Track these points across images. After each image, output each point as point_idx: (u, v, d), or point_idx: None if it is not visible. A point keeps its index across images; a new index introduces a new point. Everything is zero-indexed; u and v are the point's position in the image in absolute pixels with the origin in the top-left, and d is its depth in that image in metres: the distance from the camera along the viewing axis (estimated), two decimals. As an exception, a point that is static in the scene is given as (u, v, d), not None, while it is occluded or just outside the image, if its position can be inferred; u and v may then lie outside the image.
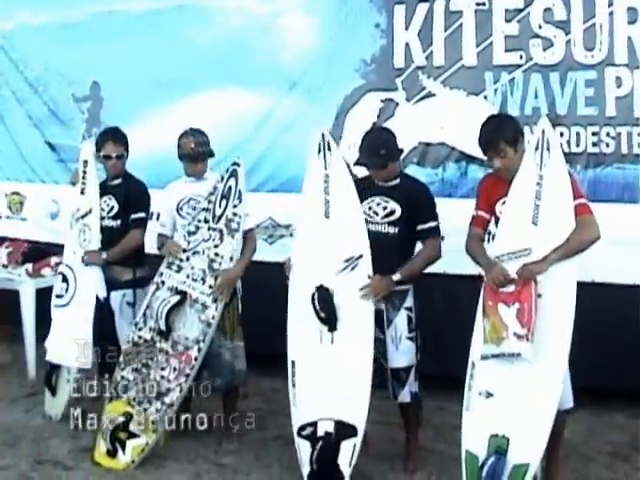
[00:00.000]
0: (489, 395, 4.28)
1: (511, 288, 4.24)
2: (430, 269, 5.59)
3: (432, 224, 4.84)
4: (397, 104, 6.04)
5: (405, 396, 4.86)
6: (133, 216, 5.60)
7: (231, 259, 5.14)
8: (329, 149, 4.81)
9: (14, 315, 7.03)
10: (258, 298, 5.41)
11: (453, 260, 5.65)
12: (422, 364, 4.92)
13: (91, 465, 5.06)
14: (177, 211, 5.44)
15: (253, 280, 5.36)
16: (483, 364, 4.29)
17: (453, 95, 5.86)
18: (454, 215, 5.72)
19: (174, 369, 5.09)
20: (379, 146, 4.81)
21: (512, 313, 4.21)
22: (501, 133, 4.36)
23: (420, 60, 5.92)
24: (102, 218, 5.71)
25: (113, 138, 5.77)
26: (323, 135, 4.84)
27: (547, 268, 4.15)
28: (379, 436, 5.29)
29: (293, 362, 4.82)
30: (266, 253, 6.00)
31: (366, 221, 4.79)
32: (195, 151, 5.35)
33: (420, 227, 4.81)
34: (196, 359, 5.06)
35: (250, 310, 5.43)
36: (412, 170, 5.86)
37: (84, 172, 5.87)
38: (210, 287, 5.12)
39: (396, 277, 4.71)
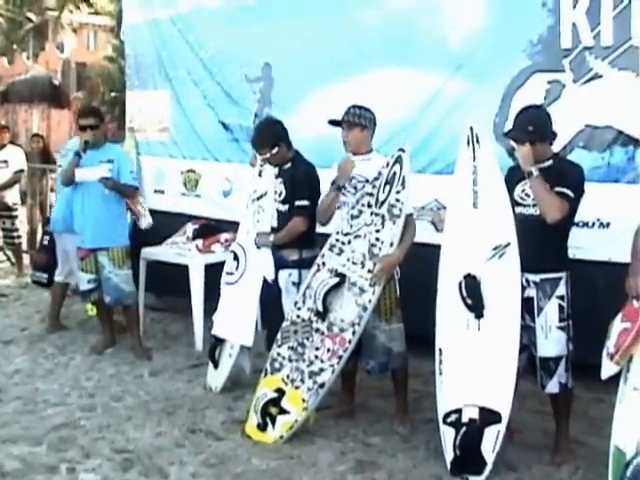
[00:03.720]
0: (645, 392, 4.13)
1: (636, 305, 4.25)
2: (593, 256, 5.47)
3: (566, 190, 4.60)
4: (564, 86, 5.82)
5: (553, 387, 4.76)
6: (297, 203, 5.64)
7: (391, 245, 5.12)
8: (477, 141, 4.87)
9: (186, 289, 7.28)
10: (419, 280, 5.36)
11: (618, 248, 5.47)
12: (582, 354, 4.78)
13: (241, 437, 5.21)
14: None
15: (415, 262, 5.32)
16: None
17: (621, 76, 5.56)
18: (620, 201, 5.57)
19: (328, 350, 5.15)
20: (528, 123, 4.74)
21: (618, 328, 4.20)
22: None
23: (588, 40, 5.66)
24: (275, 201, 5.83)
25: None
26: (471, 128, 4.90)
27: None
28: (532, 425, 5.28)
29: (440, 349, 4.83)
30: (432, 235, 6.04)
31: (518, 204, 4.77)
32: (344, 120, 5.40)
33: (556, 189, 4.59)
34: (350, 342, 5.10)
35: (411, 293, 5.39)
36: (578, 154, 5.67)
37: None
38: (369, 271, 5.13)
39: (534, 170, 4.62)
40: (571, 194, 4.63)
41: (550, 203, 4.59)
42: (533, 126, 4.71)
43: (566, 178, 4.67)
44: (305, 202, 5.63)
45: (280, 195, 5.77)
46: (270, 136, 5.77)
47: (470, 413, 4.61)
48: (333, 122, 5.50)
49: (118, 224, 7.01)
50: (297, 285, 5.64)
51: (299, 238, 5.66)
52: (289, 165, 5.78)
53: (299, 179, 5.70)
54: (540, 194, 4.61)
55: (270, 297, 5.80)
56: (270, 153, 5.73)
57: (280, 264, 5.77)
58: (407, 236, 5.19)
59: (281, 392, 5.20)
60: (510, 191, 4.78)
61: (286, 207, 5.75)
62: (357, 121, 5.38)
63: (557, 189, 4.60)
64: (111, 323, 7.28)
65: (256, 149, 5.91)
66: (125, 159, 7.10)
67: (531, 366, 4.83)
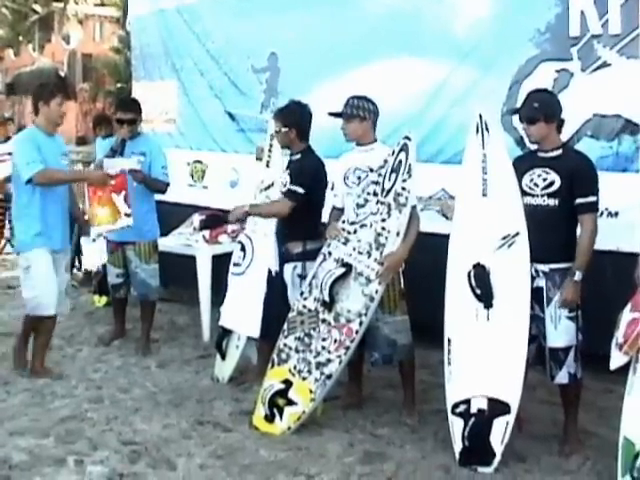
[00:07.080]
0: (654, 382, 4.09)
1: None
2: (601, 246, 5.41)
3: (592, 199, 4.68)
4: (572, 74, 5.79)
5: (562, 377, 4.75)
6: (289, 186, 5.56)
7: (397, 234, 5.08)
8: (487, 129, 4.82)
9: (193, 280, 7.29)
10: (427, 270, 5.36)
11: (626, 237, 5.45)
12: (591, 344, 4.77)
13: (249, 428, 5.20)
14: (344, 180, 5.47)
15: (424, 252, 5.29)
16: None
17: (630, 65, 5.52)
18: (629, 190, 5.53)
19: (335, 341, 5.12)
20: (535, 100, 4.79)
21: (627, 318, 4.14)
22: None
23: (596, 28, 5.62)
24: (281, 192, 5.79)
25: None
26: (480, 115, 4.85)
27: None
28: (541, 416, 5.27)
29: (449, 339, 4.80)
30: (439, 225, 5.98)
31: (526, 194, 4.75)
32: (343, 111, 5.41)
33: (580, 201, 4.66)
34: (357, 332, 5.07)
35: (419, 282, 5.39)
36: (586, 143, 5.66)
37: (270, 145, 6.02)
38: (375, 261, 5.10)
39: (578, 277, 4.65)
40: (594, 198, 4.69)
41: (595, 235, 4.71)
42: (539, 103, 4.75)
43: (583, 179, 4.69)
44: (298, 188, 5.53)
45: (285, 186, 5.73)
46: (288, 115, 5.75)
47: (479, 404, 4.60)
48: (333, 114, 5.48)
49: (146, 218, 6.78)
50: (303, 277, 5.60)
51: (303, 229, 5.63)
52: (298, 156, 5.76)
53: (302, 167, 5.66)
54: (589, 254, 4.72)
55: (273, 289, 5.79)
56: (280, 129, 5.72)
57: (285, 258, 5.75)
58: (411, 230, 5.15)
59: (288, 383, 5.18)
60: (518, 181, 4.75)
61: None
62: (355, 112, 5.36)
63: (580, 200, 4.66)
64: (124, 314, 7.24)
65: (274, 117, 5.91)
66: (159, 153, 6.85)
67: (540, 356, 4.82)
